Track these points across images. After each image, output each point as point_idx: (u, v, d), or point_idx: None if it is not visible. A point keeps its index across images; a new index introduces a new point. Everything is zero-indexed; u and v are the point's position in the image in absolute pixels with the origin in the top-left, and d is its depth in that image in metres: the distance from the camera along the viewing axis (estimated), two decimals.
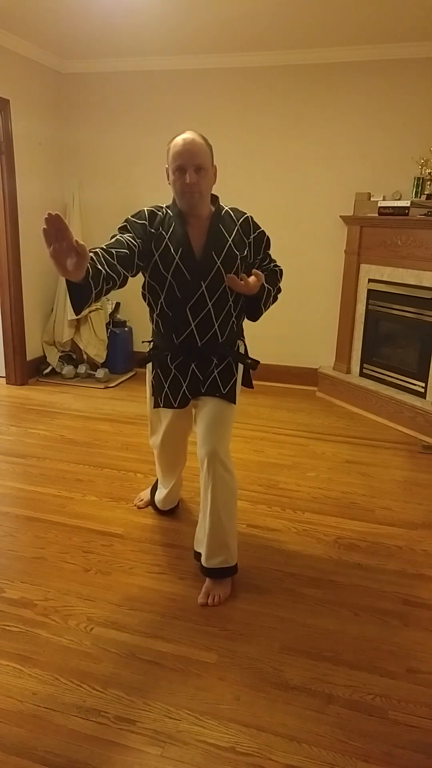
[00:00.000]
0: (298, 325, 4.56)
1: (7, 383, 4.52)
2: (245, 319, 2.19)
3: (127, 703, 1.64)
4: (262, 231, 2.07)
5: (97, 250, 1.81)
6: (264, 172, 4.37)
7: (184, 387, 2.10)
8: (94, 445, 3.41)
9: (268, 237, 2.09)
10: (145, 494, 2.76)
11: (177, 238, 1.95)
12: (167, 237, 1.96)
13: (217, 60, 4.22)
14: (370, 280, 4.12)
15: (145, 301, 2.15)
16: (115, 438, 3.50)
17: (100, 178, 4.74)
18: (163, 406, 2.18)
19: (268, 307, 2.13)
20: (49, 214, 1.44)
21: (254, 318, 2.15)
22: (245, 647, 1.87)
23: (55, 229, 1.46)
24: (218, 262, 1.95)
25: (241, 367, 2.16)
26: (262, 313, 2.13)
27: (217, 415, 2.06)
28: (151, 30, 3.69)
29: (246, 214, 2.05)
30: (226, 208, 2.05)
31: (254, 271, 1.92)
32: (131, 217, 2.00)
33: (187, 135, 1.89)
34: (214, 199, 2.04)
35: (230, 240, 1.97)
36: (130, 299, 4.90)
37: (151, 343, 2.24)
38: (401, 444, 3.57)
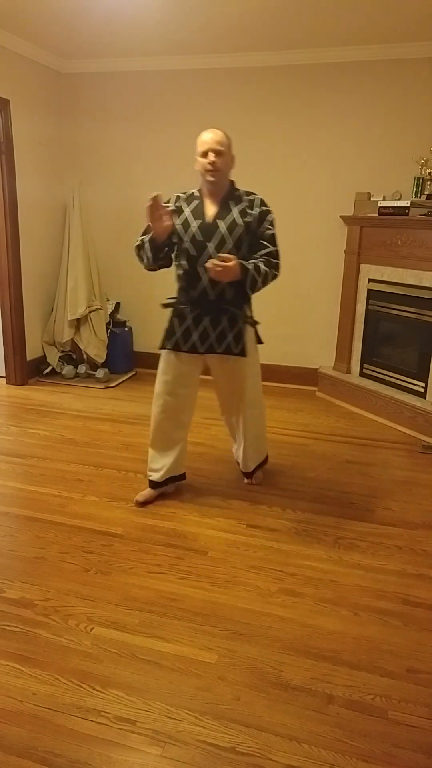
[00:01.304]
0: (298, 325, 4.56)
1: (7, 383, 4.52)
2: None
3: (127, 703, 1.64)
4: (268, 210, 2.52)
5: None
6: (264, 172, 4.36)
7: (195, 337, 2.54)
8: (94, 445, 3.41)
9: (273, 218, 2.52)
10: (143, 493, 2.77)
11: (196, 210, 2.48)
12: (188, 209, 2.48)
13: (217, 60, 4.22)
14: (370, 280, 4.12)
15: (175, 264, 2.60)
16: (115, 438, 3.51)
17: (100, 178, 4.74)
18: (172, 349, 2.58)
19: (256, 287, 2.46)
20: (154, 198, 2.23)
21: (249, 291, 2.50)
22: (245, 647, 1.87)
23: (157, 206, 2.27)
24: (224, 228, 2.43)
25: (248, 328, 2.60)
26: (248, 284, 2.44)
27: (241, 370, 2.63)
28: (151, 30, 3.69)
29: (256, 195, 2.52)
30: (241, 190, 2.53)
31: (225, 256, 2.33)
32: (165, 202, 2.48)
33: (211, 129, 2.43)
34: (231, 183, 2.52)
35: (235, 210, 2.46)
36: (130, 299, 4.90)
37: (174, 299, 2.63)
38: (401, 444, 3.57)
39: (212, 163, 2.37)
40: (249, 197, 2.49)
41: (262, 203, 2.50)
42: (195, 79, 4.35)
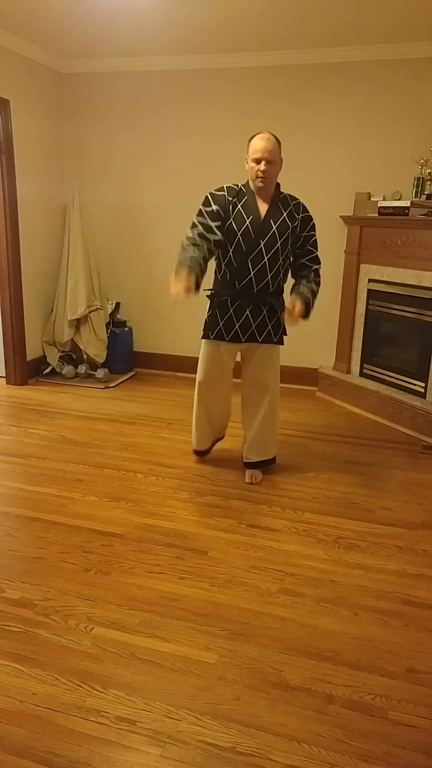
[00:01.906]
0: (298, 326, 4.55)
1: (7, 383, 4.52)
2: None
3: (127, 703, 1.64)
4: (310, 215, 2.75)
5: (193, 255, 2.57)
6: None
7: (237, 326, 2.75)
8: (94, 445, 3.41)
9: (313, 221, 2.75)
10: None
11: (248, 207, 2.64)
12: (240, 205, 2.64)
13: (217, 60, 4.22)
14: (370, 280, 4.12)
15: (219, 256, 2.77)
16: (115, 438, 3.51)
17: (100, 178, 4.74)
18: (214, 338, 2.79)
19: (314, 305, 2.76)
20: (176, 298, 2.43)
21: (305, 318, 2.75)
22: (245, 647, 1.87)
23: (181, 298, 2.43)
24: (274, 227, 2.64)
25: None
26: (310, 314, 2.75)
27: (270, 357, 2.85)
28: (151, 30, 3.69)
29: (298, 199, 2.74)
30: (285, 193, 2.73)
31: (297, 306, 2.63)
32: (213, 191, 2.68)
33: (264, 134, 2.57)
34: (277, 185, 2.71)
35: (285, 214, 2.67)
36: (130, 299, 4.90)
37: (212, 291, 2.83)
38: (401, 444, 3.57)
39: (264, 172, 2.56)
40: (294, 201, 2.71)
41: (305, 208, 2.73)
42: (195, 79, 4.35)
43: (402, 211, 3.74)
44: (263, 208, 2.65)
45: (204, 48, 4.06)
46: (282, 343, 2.85)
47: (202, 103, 4.37)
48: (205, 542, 2.45)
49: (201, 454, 3.20)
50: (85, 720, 1.59)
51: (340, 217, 4.21)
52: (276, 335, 2.81)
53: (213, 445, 3.20)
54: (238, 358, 2.92)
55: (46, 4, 3.32)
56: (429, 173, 3.83)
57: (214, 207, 2.63)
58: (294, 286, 2.77)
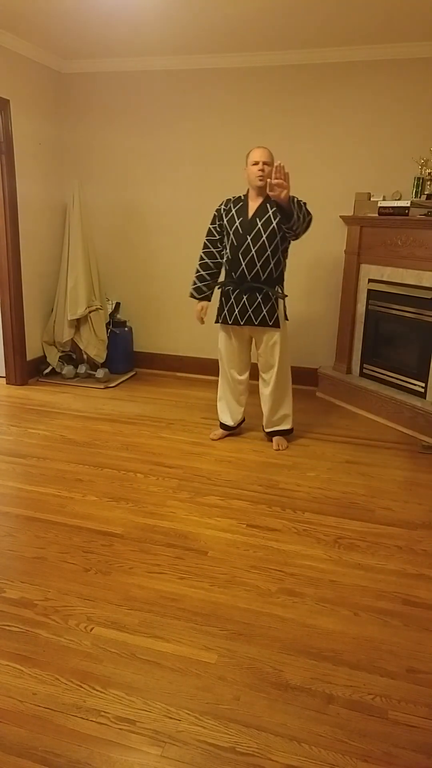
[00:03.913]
0: (299, 326, 4.56)
1: (7, 383, 4.52)
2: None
3: (127, 703, 1.64)
4: (294, 197, 2.99)
5: (203, 274, 3.31)
6: None
7: (236, 311, 3.19)
8: (94, 445, 3.41)
9: (298, 200, 3.01)
10: (216, 432, 3.52)
11: (240, 209, 3.15)
12: (234, 209, 3.16)
13: (217, 60, 4.22)
14: (370, 280, 4.12)
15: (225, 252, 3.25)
16: (115, 438, 3.51)
17: (100, 178, 4.74)
18: (221, 323, 3.27)
19: (300, 217, 2.98)
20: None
21: (289, 220, 2.96)
22: (245, 647, 1.87)
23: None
24: (259, 224, 3.08)
25: (281, 303, 3.19)
26: (293, 218, 2.94)
27: (273, 340, 3.24)
28: (151, 30, 3.69)
29: (292, 197, 2.97)
30: None
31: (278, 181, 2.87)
32: (218, 206, 3.25)
33: (260, 147, 3.07)
34: None
35: (270, 211, 3.07)
36: (130, 299, 4.90)
37: (221, 282, 3.29)
38: (401, 444, 3.57)
39: (262, 170, 3.03)
40: None
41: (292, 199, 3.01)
42: (195, 79, 4.35)
43: (402, 211, 3.74)
44: (253, 208, 3.11)
45: (204, 48, 4.06)
46: (278, 326, 3.18)
47: (201, 103, 4.37)
48: (205, 542, 2.45)
49: (224, 428, 3.52)
50: (85, 720, 1.59)
51: (340, 217, 4.21)
52: (271, 319, 3.16)
53: (238, 425, 3.55)
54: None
55: (46, 4, 3.32)
56: (429, 173, 3.82)
57: (216, 223, 3.22)
58: None
